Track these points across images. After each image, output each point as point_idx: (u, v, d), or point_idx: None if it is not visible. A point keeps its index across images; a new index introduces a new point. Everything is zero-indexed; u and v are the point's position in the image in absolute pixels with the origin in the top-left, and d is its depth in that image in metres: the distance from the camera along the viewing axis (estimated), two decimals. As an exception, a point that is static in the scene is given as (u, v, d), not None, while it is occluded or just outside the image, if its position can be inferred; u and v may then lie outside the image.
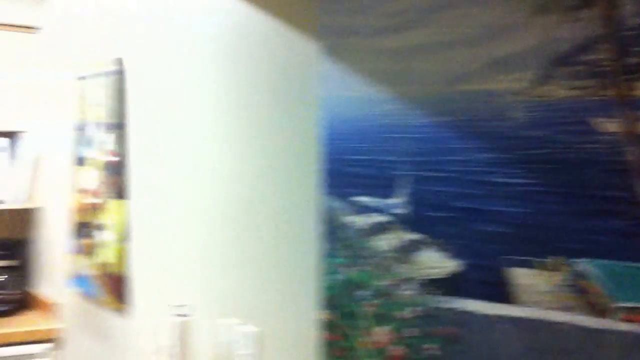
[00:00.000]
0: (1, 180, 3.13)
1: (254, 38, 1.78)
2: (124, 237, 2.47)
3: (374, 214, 1.36)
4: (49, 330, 3.04)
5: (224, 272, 1.90)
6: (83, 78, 2.77)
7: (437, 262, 1.23)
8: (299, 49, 1.62)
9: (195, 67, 2.05)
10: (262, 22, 1.75)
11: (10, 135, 3.18)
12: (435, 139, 1.23)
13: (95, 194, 2.67)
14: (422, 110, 1.25)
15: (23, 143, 3.25)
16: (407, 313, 1.28)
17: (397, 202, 1.30)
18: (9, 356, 2.90)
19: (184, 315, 1.97)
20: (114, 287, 2.53)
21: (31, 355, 2.94)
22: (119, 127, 2.49)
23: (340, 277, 1.45)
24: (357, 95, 1.41)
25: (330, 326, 1.48)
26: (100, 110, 2.63)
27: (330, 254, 1.49)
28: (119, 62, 2.48)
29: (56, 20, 3.12)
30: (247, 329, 1.75)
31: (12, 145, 3.21)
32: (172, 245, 2.20)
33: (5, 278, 3.21)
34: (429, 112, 1.24)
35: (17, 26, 3.20)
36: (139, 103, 2.41)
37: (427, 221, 1.25)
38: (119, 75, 2.48)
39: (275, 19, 1.70)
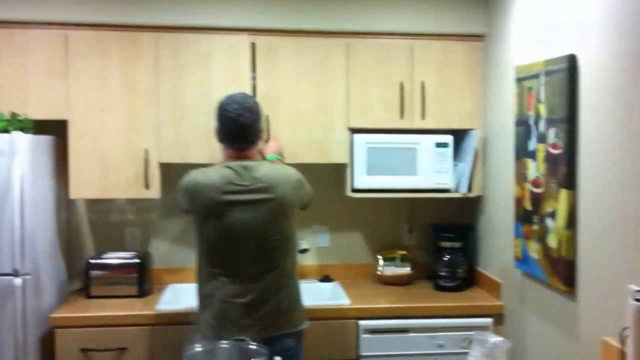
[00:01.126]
0: (449, 171, 3.48)
1: None
2: (569, 224, 2.54)
3: None
4: (491, 306, 3.28)
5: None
6: (524, 78, 2.92)
7: None
8: None
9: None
10: None
11: (455, 132, 3.53)
12: None
13: (537, 183, 2.81)
14: None
15: (467, 139, 3.55)
16: None
17: None
18: (455, 326, 3.22)
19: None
20: (559, 270, 2.61)
21: (474, 327, 3.14)
22: (565, 121, 2.54)
23: None
24: None
25: None
26: (542, 106, 2.75)
27: None
28: (571, 59, 2.52)
29: (499, 27, 3.35)
30: None
31: (458, 140, 3.54)
32: (626, 230, 2.20)
33: (453, 257, 3.58)
34: None
35: (466, 35, 3.53)
36: (591, 98, 2.42)
37: None
38: (569, 72, 2.51)
39: None
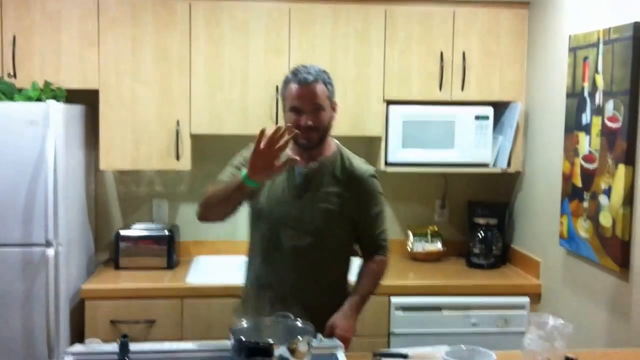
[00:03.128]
0: (487, 145, 3.39)
1: None
2: (626, 202, 2.46)
3: None
4: (528, 285, 3.23)
5: None
6: (579, 47, 2.81)
7: None
8: None
9: None
10: None
11: (495, 104, 3.43)
12: None
13: (590, 159, 2.71)
14: None
15: (508, 111, 3.46)
16: None
17: None
18: (490, 304, 3.16)
19: None
20: (612, 249, 2.54)
21: (510, 306, 3.15)
22: (627, 93, 2.44)
23: None
24: None
25: None
26: (599, 77, 2.64)
27: None
28: (636, 27, 2.41)
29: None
30: None
31: (498, 113, 3.45)
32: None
33: (488, 234, 3.51)
34: None
35: (512, 2, 3.40)
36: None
37: None
38: (635, 41, 2.41)
39: None
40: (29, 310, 2.90)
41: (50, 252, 2.85)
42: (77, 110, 3.20)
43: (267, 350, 1.79)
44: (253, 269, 2.40)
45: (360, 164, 2.38)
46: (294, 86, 2.24)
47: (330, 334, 2.19)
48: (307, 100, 2.23)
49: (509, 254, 3.58)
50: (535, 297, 3.21)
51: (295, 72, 2.28)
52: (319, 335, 2.07)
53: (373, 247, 2.39)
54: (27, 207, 2.89)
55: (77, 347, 1.98)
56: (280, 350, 1.79)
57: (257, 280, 2.37)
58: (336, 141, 2.41)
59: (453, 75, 3.38)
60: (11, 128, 2.86)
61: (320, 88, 2.25)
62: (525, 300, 3.19)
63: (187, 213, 3.64)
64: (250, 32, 3.28)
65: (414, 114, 3.37)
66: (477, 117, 3.39)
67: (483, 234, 3.52)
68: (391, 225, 3.73)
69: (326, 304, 2.30)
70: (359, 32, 3.33)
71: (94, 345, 2.01)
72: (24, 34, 3.16)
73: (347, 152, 2.40)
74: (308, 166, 2.30)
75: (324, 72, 2.31)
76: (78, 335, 3.02)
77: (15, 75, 3.12)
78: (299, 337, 1.85)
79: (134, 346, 1.92)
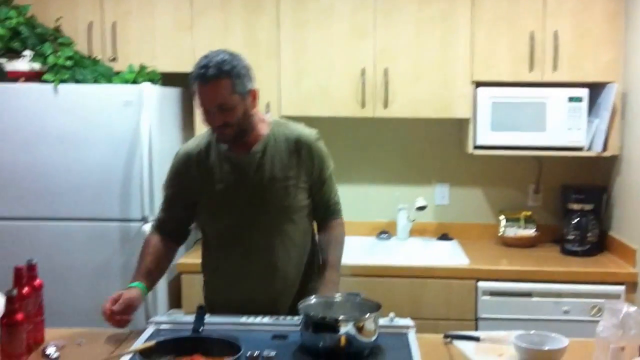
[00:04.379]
0: (582, 128, 3.26)
1: None
2: None
3: None
4: (624, 274, 3.09)
5: None
6: None
7: None
8: None
9: None
10: None
11: (590, 86, 3.28)
12: None
13: None
14: None
15: (604, 93, 3.31)
16: None
17: None
18: (583, 292, 3.06)
19: None
20: None
21: (604, 294, 3.02)
22: None
23: None
24: None
25: None
26: None
27: None
28: None
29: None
30: None
31: (593, 95, 3.30)
32: None
33: (584, 220, 3.37)
34: None
35: None
36: None
37: None
38: None
39: None
40: (127, 282, 3.06)
41: (147, 227, 2.98)
42: (172, 92, 3.35)
43: (334, 326, 1.84)
44: (214, 262, 2.30)
45: (303, 129, 2.27)
46: (196, 83, 2.05)
47: None
48: (209, 101, 2.04)
49: (605, 241, 3.44)
50: (631, 286, 3.07)
51: (197, 65, 2.05)
52: (391, 314, 2.09)
53: (329, 212, 2.34)
54: (125, 184, 3.06)
55: (160, 317, 2.12)
56: (347, 327, 1.83)
57: (221, 270, 2.27)
58: (269, 115, 2.30)
59: (545, 55, 3.26)
60: (109, 109, 3.04)
61: (222, 85, 2.02)
62: (621, 289, 3.07)
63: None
64: (335, 16, 3.31)
65: (504, 96, 3.29)
66: (571, 99, 3.26)
67: (578, 220, 3.39)
68: (482, 210, 3.72)
69: (300, 275, 2.28)
70: (445, 14, 3.28)
71: (175, 315, 2.13)
72: (123, 20, 3.34)
73: (285, 122, 2.30)
74: (251, 152, 2.18)
75: (231, 59, 2.05)
76: (176, 308, 3.16)
77: (114, 60, 3.31)
78: (366, 315, 1.89)
79: (209, 318, 2.03)
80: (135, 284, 2.12)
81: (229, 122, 2.06)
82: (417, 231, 3.67)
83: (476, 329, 3.06)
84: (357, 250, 3.40)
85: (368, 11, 3.29)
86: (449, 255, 3.43)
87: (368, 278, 3.11)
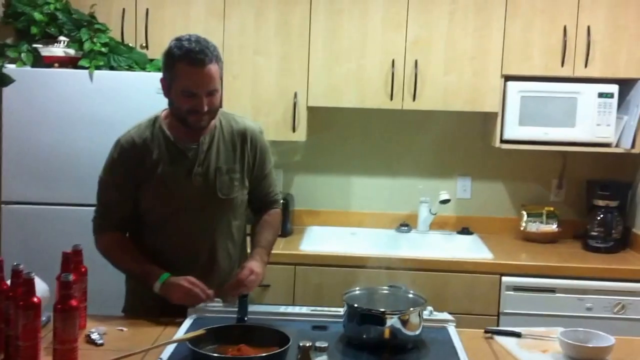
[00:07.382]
0: (611, 124, 3.24)
1: None
2: None
3: None
4: (649, 271, 3.08)
5: None
6: None
7: None
8: None
9: None
10: None
11: (620, 82, 3.27)
12: None
13: None
14: None
15: (635, 89, 3.29)
16: None
17: None
18: (607, 289, 3.05)
19: None
20: None
21: (628, 292, 3.03)
22: None
23: None
24: None
25: None
26: None
27: None
28: None
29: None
30: None
31: (623, 91, 3.28)
32: None
33: (608, 217, 3.37)
34: None
35: None
36: None
37: None
38: None
39: None
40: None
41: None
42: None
43: (380, 319, 1.85)
44: (150, 249, 2.22)
45: (249, 122, 2.29)
46: (185, 67, 2.00)
47: (247, 275, 2.10)
48: (202, 85, 2.02)
49: (630, 238, 3.43)
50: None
51: (182, 47, 2.01)
52: (430, 308, 2.10)
53: (269, 202, 2.36)
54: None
55: (202, 306, 2.12)
56: (392, 320, 1.84)
57: (158, 257, 2.19)
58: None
59: (577, 50, 3.25)
60: (143, 96, 3.00)
61: (214, 69, 2.03)
62: (644, 286, 3.06)
63: (301, 183, 3.74)
64: (369, 6, 3.28)
65: (533, 90, 3.27)
66: (601, 95, 3.25)
67: (602, 216, 3.39)
68: (504, 204, 3.71)
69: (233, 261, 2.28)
70: (479, 6, 3.26)
71: (216, 304, 2.14)
72: (156, 7, 3.32)
73: (231, 114, 2.29)
74: (200, 142, 2.17)
75: (213, 44, 2.07)
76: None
77: (147, 47, 3.29)
78: (411, 308, 1.90)
79: (252, 307, 2.04)
80: (165, 275, 2.08)
81: (213, 107, 2.07)
82: (437, 224, 3.66)
83: (498, 324, 3.06)
84: (378, 242, 3.41)
85: (402, 2, 3.27)
86: (472, 249, 3.43)
87: (389, 271, 3.10)
